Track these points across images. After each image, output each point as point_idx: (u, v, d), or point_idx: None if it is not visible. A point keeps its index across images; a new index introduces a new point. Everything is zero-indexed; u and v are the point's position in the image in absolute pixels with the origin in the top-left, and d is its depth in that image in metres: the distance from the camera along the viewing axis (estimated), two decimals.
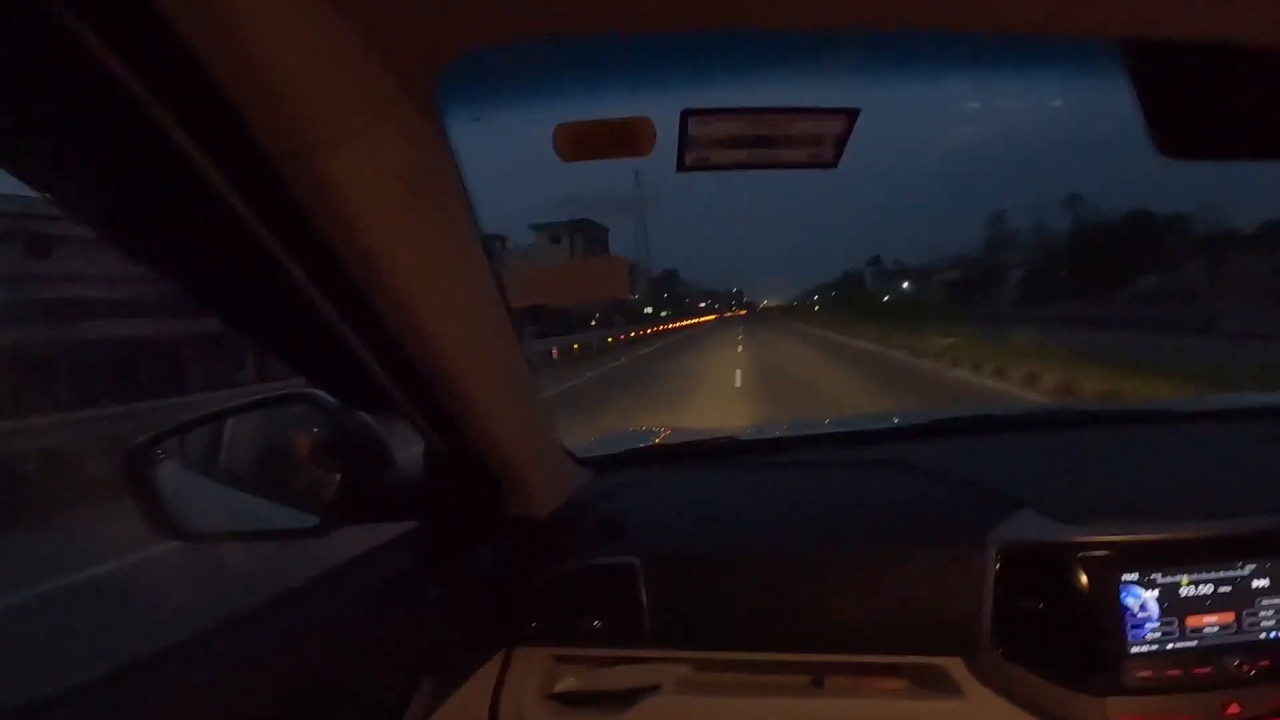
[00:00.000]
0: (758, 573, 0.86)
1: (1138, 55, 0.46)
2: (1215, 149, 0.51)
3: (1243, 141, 0.50)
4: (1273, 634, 0.76)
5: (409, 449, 0.84)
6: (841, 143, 0.57)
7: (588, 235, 44.60)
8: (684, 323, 52.84)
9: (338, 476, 0.77)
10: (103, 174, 0.45)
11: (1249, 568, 0.77)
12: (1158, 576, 0.77)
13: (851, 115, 0.56)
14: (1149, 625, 0.76)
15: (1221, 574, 0.77)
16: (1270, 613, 0.77)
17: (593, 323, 32.27)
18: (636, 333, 33.20)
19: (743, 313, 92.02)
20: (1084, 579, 0.77)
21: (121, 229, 0.49)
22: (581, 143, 0.54)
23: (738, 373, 12.77)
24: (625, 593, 0.85)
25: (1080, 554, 0.78)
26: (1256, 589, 0.77)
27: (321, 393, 0.76)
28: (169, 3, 0.34)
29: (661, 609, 0.84)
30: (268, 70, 0.37)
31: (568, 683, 0.89)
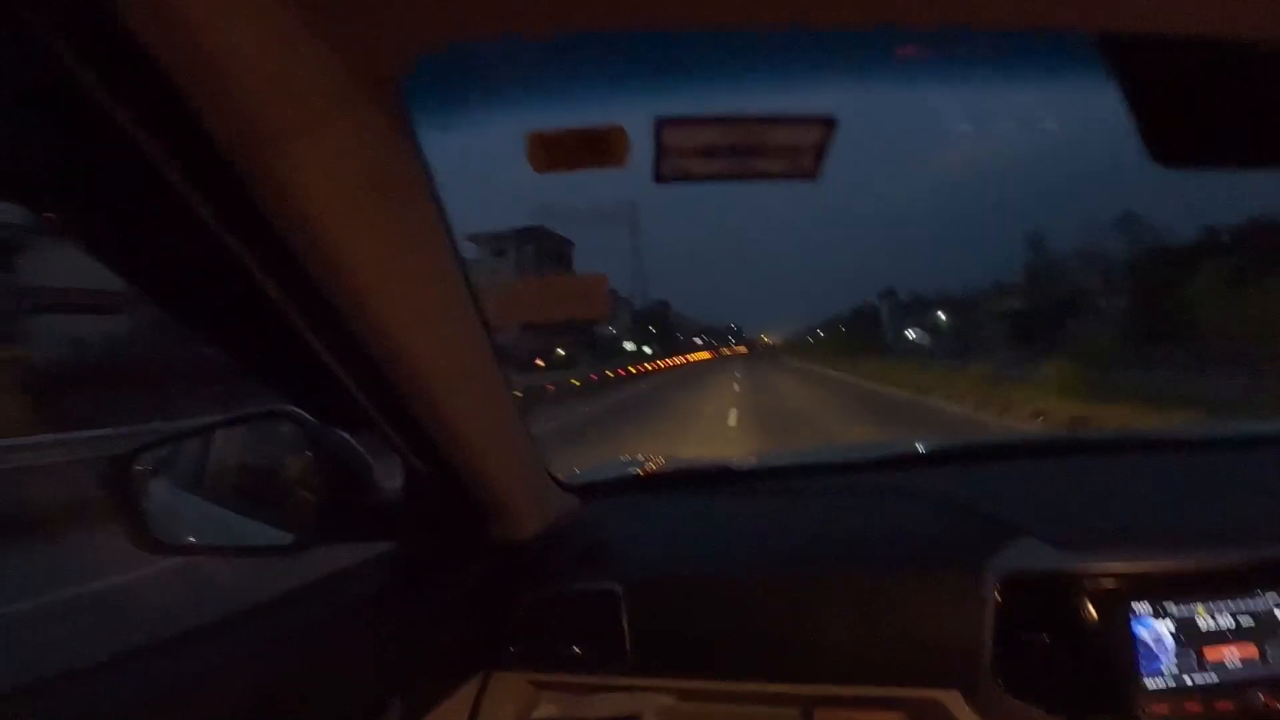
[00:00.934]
0: (744, 599, 0.83)
1: (1127, 62, 0.45)
2: (1211, 157, 0.50)
3: (1241, 148, 0.49)
4: None
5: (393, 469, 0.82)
6: (820, 153, 0.57)
7: (541, 247, 38.19)
8: (664, 364, 41.24)
9: (316, 495, 0.76)
10: (57, 173, 0.44)
11: (1270, 597, 0.74)
12: (1171, 607, 0.74)
13: (829, 124, 0.55)
14: (1164, 658, 0.73)
15: (1240, 604, 0.74)
16: None
17: (539, 362, 26.31)
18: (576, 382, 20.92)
19: (743, 350, 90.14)
20: (1092, 610, 0.74)
21: (81, 233, 0.48)
22: (554, 152, 0.54)
23: None
24: (607, 619, 0.83)
25: (1087, 584, 0.75)
26: None
27: (300, 410, 0.75)
28: None
29: (644, 636, 0.82)
30: (224, 64, 0.37)
31: (546, 709, 0.86)
